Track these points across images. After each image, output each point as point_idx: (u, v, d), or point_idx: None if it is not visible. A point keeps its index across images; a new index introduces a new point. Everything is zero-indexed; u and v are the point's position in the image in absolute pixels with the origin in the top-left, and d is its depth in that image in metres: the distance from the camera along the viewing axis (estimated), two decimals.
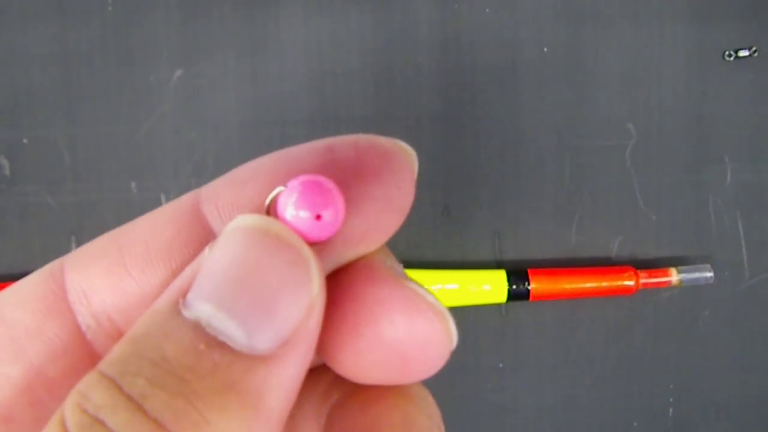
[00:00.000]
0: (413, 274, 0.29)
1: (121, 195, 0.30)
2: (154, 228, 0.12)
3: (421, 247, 0.30)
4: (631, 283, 0.29)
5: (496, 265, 0.30)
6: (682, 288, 0.30)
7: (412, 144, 0.30)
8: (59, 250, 0.30)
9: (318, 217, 0.11)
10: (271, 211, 0.11)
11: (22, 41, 0.29)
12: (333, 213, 0.11)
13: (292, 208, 0.11)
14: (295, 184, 0.11)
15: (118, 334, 0.12)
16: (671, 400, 0.31)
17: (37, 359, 0.12)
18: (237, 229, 0.11)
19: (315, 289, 0.10)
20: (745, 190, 0.30)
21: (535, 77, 0.29)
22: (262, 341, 0.10)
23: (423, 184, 0.30)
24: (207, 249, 0.11)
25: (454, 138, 0.30)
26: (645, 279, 0.29)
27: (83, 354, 0.12)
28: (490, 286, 0.28)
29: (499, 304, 0.30)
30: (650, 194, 0.30)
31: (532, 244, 0.30)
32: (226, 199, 0.12)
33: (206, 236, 0.12)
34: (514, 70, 0.29)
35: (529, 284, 0.29)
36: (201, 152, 0.30)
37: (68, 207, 0.30)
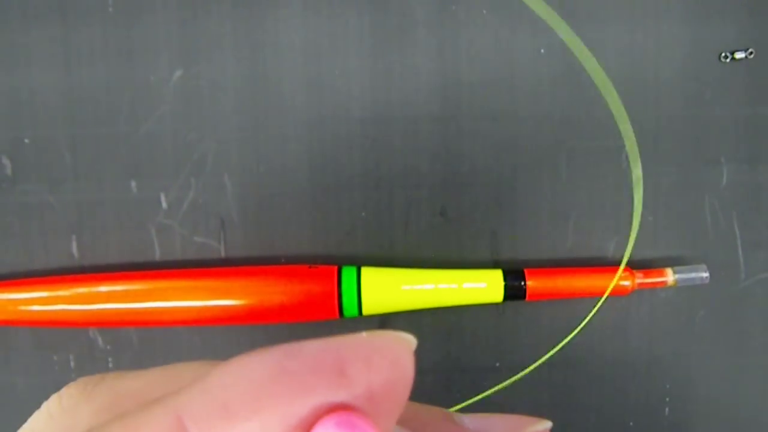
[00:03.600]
0: (411, 274, 0.29)
1: (121, 194, 0.30)
2: None
3: (418, 248, 0.30)
4: (627, 283, 0.29)
5: (493, 265, 0.30)
6: (678, 288, 0.30)
7: (409, 145, 0.31)
8: (60, 249, 0.30)
9: None
10: None
11: (24, 41, 0.30)
12: None
13: None
14: (328, 430, 0.10)
15: None
16: (668, 399, 0.31)
17: None
18: None
19: None
20: (741, 191, 0.30)
21: (532, 78, 0.30)
22: None
23: (420, 185, 0.30)
24: None
25: (451, 139, 0.30)
26: (641, 279, 0.29)
27: None
28: (486, 285, 0.29)
29: (496, 304, 0.30)
30: (646, 195, 0.30)
31: (529, 244, 0.30)
32: None
33: None
34: (511, 71, 0.30)
35: (525, 283, 0.29)
36: (200, 152, 0.30)
37: (69, 206, 0.30)
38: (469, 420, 0.14)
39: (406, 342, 0.12)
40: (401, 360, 0.11)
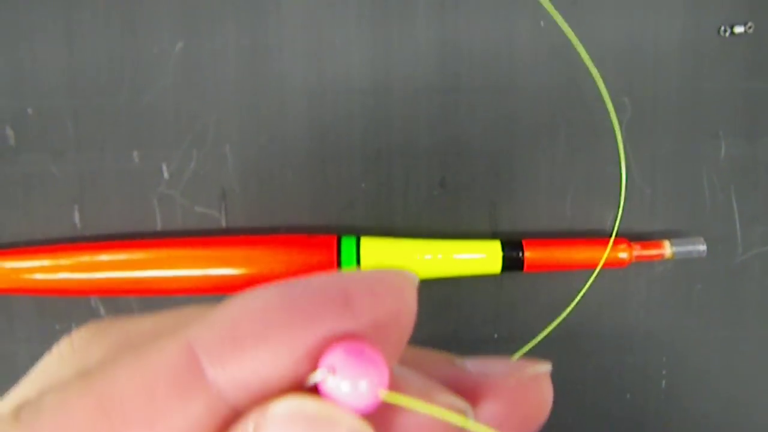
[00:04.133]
0: (410, 244, 0.29)
1: (123, 164, 0.30)
2: (149, 393, 0.10)
3: (417, 218, 0.30)
4: (624, 255, 0.29)
5: (492, 236, 0.30)
6: (675, 262, 0.30)
7: (409, 116, 0.31)
8: (62, 219, 0.31)
9: (364, 388, 0.10)
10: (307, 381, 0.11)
11: (26, 13, 0.30)
12: (381, 381, 0.11)
13: (339, 384, 0.10)
14: (337, 358, 0.10)
15: None
16: (664, 372, 0.31)
17: None
18: (286, 416, 0.10)
19: None
20: (739, 165, 0.30)
21: (531, 50, 0.30)
22: None
23: (420, 156, 0.30)
24: (249, 426, 0.10)
25: (450, 110, 0.30)
26: (638, 251, 0.29)
27: None
28: (484, 256, 0.29)
29: (494, 275, 0.30)
30: (645, 168, 0.30)
31: (528, 216, 0.30)
32: (236, 367, 0.10)
33: (216, 408, 0.10)
34: (511, 43, 0.30)
35: (523, 254, 0.29)
36: (201, 123, 0.30)
37: (71, 176, 0.30)
38: (471, 364, 0.14)
39: (409, 277, 0.12)
40: (405, 293, 0.12)
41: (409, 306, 0.12)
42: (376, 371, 0.11)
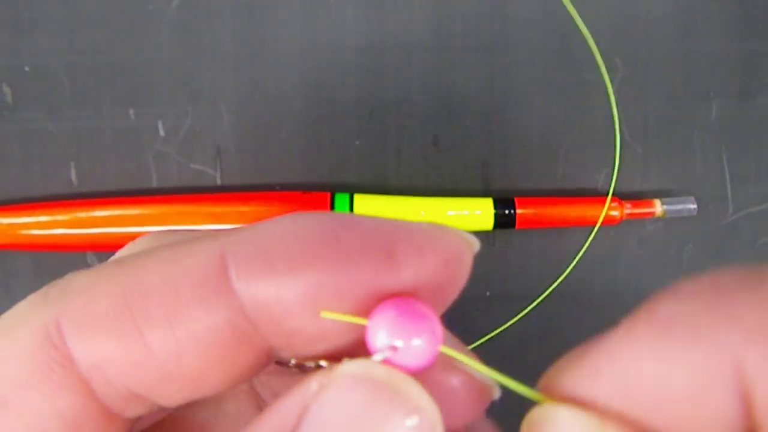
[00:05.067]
0: (403, 201, 0.29)
1: (119, 122, 0.31)
2: (173, 291, 0.10)
3: (410, 176, 0.31)
4: (616, 213, 0.30)
5: (484, 194, 0.31)
6: (666, 221, 0.31)
7: (402, 75, 0.31)
8: (59, 175, 0.31)
9: (417, 345, 0.10)
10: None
11: None
12: (434, 338, 0.10)
13: (389, 340, 0.10)
14: (388, 315, 0.10)
15: (142, 403, 0.11)
16: None
17: None
18: (352, 379, 0.10)
19: None
20: (730, 125, 0.31)
21: (524, 10, 0.30)
22: None
23: (413, 114, 0.30)
24: (313, 385, 0.10)
25: (444, 70, 0.30)
26: (629, 209, 0.30)
27: (104, 422, 0.11)
28: (477, 213, 0.29)
29: (486, 233, 0.30)
30: (636, 128, 0.31)
31: (520, 175, 0.31)
32: (261, 286, 0.10)
33: (235, 322, 0.10)
34: (505, 3, 0.30)
35: (515, 212, 0.29)
36: (197, 81, 0.30)
37: (68, 133, 0.31)
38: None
39: (466, 243, 0.11)
40: (455, 260, 0.11)
41: (457, 274, 0.11)
42: (427, 329, 0.10)
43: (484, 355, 0.12)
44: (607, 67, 0.30)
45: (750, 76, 0.30)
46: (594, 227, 0.30)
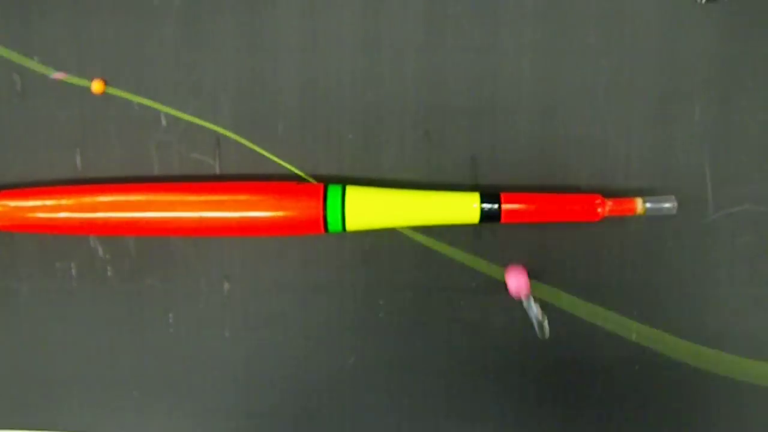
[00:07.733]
0: (393, 193, 0.30)
1: (123, 112, 0.32)
2: None
3: (401, 169, 0.32)
4: (598, 210, 0.31)
5: (472, 188, 0.32)
6: (648, 219, 0.32)
7: (395, 72, 0.32)
8: (65, 161, 0.32)
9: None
10: None
11: None
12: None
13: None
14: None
15: None
16: (635, 325, 0.32)
17: None
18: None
19: None
20: (712, 127, 0.32)
21: (513, 11, 0.31)
22: None
23: (405, 109, 0.32)
24: None
25: (435, 66, 0.31)
26: (611, 207, 0.31)
27: None
28: (464, 206, 0.30)
29: (473, 225, 0.31)
30: (621, 127, 0.32)
31: (507, 170, 0.32)
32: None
33: None
34: (495, 4, 0.31)
35: (500, 206, 0.30)
36: (199, 74, 0.32)
37: (74, 122, 0.32)
38: None
39: None
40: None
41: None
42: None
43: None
44: (593, 69, 0.31)
45: (732, 79, 0.31)
46: (577, 224, 0.31)
